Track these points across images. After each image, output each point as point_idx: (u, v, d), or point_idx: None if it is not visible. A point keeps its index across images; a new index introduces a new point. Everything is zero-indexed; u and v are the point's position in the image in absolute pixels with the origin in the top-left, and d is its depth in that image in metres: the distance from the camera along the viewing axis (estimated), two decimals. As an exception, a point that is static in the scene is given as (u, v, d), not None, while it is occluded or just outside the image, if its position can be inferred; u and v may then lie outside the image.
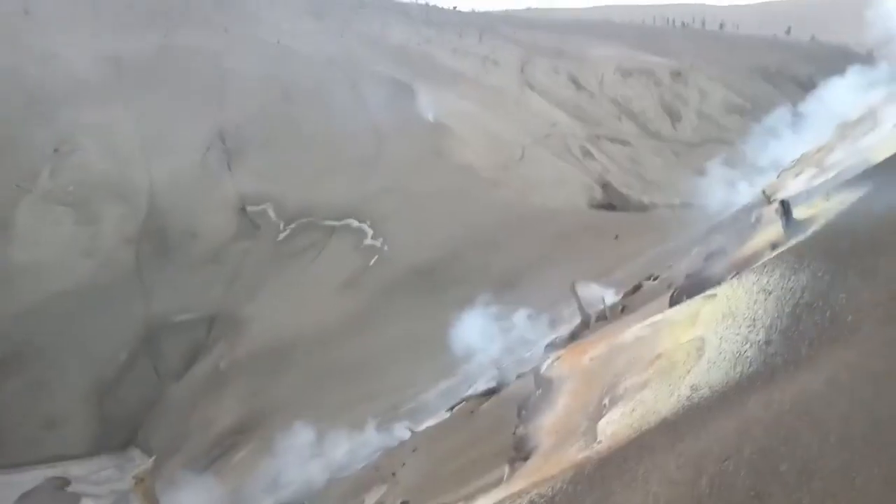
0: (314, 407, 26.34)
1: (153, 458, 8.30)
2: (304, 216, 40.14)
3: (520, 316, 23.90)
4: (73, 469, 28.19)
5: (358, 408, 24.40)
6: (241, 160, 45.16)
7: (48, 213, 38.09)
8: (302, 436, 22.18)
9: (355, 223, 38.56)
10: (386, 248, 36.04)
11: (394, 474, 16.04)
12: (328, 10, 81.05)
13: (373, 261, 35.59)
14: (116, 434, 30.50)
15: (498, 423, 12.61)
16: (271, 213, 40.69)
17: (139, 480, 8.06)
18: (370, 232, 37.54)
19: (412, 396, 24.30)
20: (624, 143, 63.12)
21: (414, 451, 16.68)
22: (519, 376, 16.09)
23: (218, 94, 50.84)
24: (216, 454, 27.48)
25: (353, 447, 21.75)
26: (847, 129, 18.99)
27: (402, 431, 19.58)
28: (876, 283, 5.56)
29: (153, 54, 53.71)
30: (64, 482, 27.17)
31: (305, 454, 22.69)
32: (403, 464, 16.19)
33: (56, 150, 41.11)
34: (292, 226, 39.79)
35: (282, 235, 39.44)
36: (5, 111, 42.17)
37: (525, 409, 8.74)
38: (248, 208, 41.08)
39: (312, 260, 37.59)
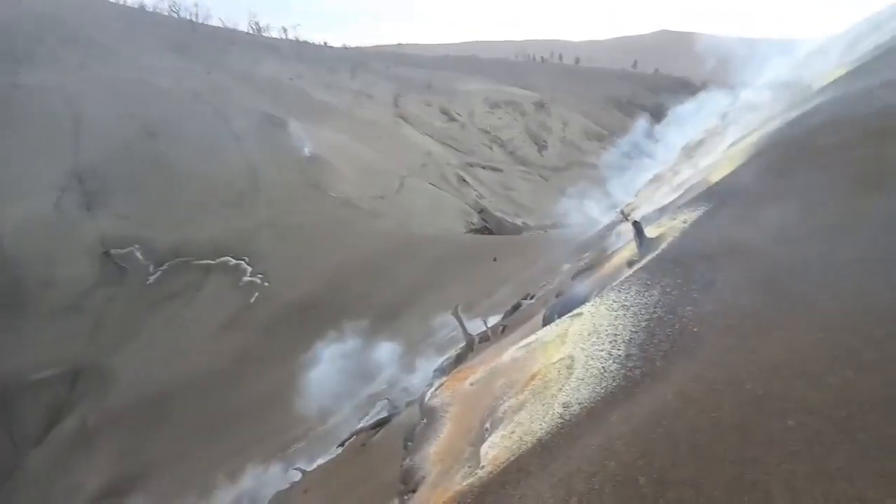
0: (195, 459, 24.93)
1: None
2: (176, 256, 38.10)
3: (404, 343, 23.99)
4: None
5: (243, 454, 23.28)
6: (102, 202, 42.18)
7: None
8: (196, 490, 20.85)
9: (233, 261, 37.12)
10: (267, 283, 34.96)
11: (284, 521, 15.43)
12: (193, 47, 78.35)
13: (253, 297, 34.37)
14: (-35, 514, 27.12)
15: (388, 455, 12.53)
16: (139, 256, 38.25)
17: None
18: (249, 268, 36.28)
19: (302, 435, 23.57)
20: (496, 169, 65.63)
21: (305, 492, 16.17)
22: (408, 404, 16.09)
23: (73, 134, 47.39)
24: (86, 522, 25.13)
25: (238, 496, 20.75)
26: (690, 151, 20.91)
27: (292, 473, 18.91)
28: (715, 296, 6.16)
29: (-4, 96, 49.27)
30: None
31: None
32: (295, 507, 15.63)
33: None
34: (163, 267, 37.60)
35: (152, 278, 37.14)
36: None
37: (411, 440, 8.74)
38: (113, 251, 38.37)
39: (188, 302, 35.68)
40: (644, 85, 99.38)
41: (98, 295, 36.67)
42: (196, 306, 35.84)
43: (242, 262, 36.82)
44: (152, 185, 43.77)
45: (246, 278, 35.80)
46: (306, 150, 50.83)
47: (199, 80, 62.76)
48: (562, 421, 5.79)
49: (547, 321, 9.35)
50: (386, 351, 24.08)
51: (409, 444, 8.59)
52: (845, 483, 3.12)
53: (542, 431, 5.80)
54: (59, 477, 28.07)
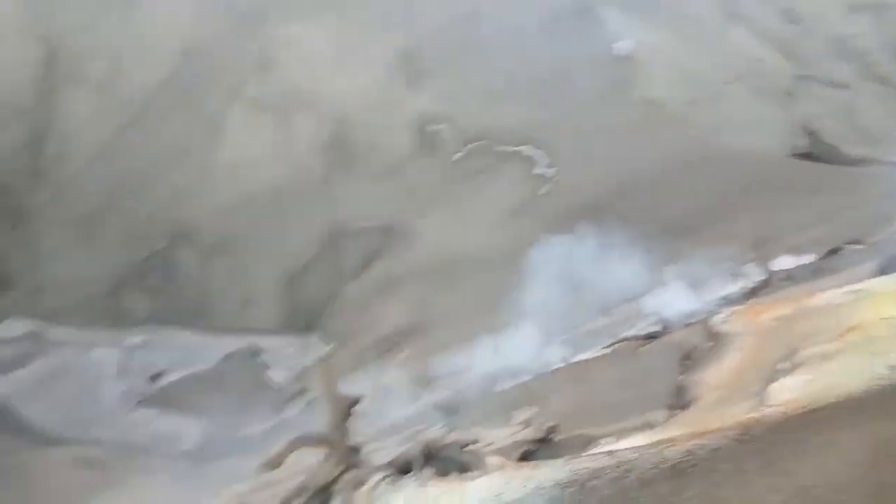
0: (473, 323, 27.30)
1: (333, 344, 9.24)
2: (480, 139, 40.48)
3: (691, 263, 22.87)
4: (264, 342, 32.32)
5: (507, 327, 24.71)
6: (423, 79, 45.91)
7: (252, 119, 41.99)
8: (466, 346, 23.36)
9: (529, 151, 38.31)
10: (557, 178, 35.64)
11: (544, 399, 16.51)
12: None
13: (542, 190, 35.43)
14: (300, 319, 34.10)
15: (657, 368, 12.49)
16: (448, 134, 41.44)
17: (322, 361, 9.11)
18: (543, 161, 37.17)
19: (567, 328, 24.43)
20: (840, 86, 55.47)
21: (567, 380, 17.04)
22: (687, 325, 15.63)
23: (406, 12, 51.50)
24: (383, 350, 29.95)
25: (505, 365, 22.52)
26: None
27: (556, 360, 19.98)
28: None
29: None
30: (256, 352, 31.50)
31: (462, 364, 23.89)
32: (555, 391, 16.62)
33: (260, 63, 44.63)
34: (468, 148, 40.34)
35: (457, 156, 40.20)
36: (221, 28, 46.01)
37: (690, 359, 8.60)
38: (427, 127, 42.13)
39: (484, 184, 38.17)
40: None
41: (412, 165, 40.95)
42: (490, 189, 38.10)
43: (539, 153, 37.79)
44: (467, 67, 46.17)
45: (539, 170, 36.85)
46: (620, 46, 48.62)
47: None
48: (882, 384, 5.17)
49: (884, 271, 8.14)
50: (670, 270, 23.22)
51: (688, 362, 8.48)
52: None
53: (856, 388, 5.26)
54: (366, 311, 33.43)
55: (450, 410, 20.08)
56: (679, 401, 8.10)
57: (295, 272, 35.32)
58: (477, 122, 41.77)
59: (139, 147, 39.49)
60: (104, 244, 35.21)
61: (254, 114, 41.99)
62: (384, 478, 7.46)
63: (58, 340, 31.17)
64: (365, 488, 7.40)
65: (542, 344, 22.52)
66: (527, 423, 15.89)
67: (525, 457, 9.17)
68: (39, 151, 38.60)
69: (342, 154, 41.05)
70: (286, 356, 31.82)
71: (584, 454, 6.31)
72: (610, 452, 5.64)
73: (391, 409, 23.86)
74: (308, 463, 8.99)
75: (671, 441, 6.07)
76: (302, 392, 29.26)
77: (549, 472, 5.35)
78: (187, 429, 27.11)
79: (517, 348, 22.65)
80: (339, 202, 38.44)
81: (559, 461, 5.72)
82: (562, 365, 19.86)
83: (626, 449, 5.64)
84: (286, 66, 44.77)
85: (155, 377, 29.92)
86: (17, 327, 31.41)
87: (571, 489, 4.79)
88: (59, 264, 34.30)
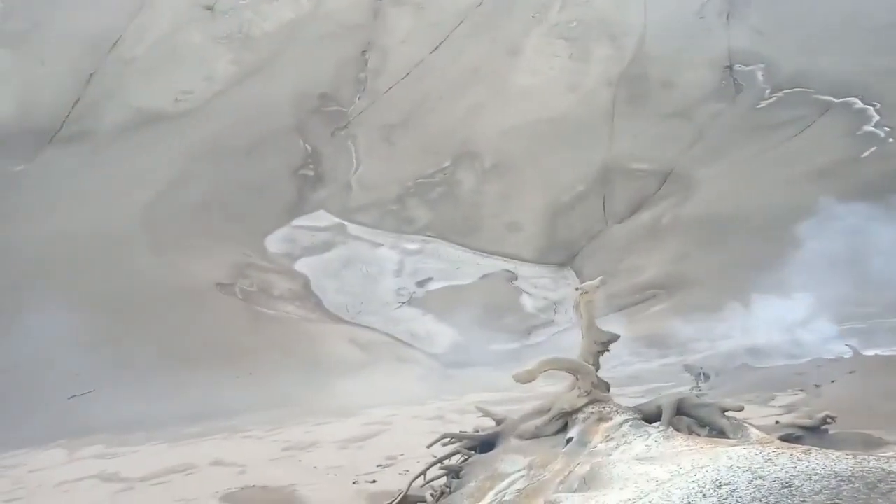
0: (737, 290, 24.76)
1: (601, 278, 9.10)
2: (797, 86, 35.36)
3: None
4: (521, 269, 33.57)
5: (776, 295, 21.98)
6: (741, 13, 41.13)
7: (549, 45, 41.97)
8: (726, 311, 21.81)
9: (860, 104, 32.47)
10: (891, 140, 29.89)
11: (817, 386, 14.99)
12: None
13: (868, 152, 30.10)
14: (558, 252, 34.52)
15: None
16: (759, 77, 36.92)
17: (585, 293, 9.08)
18: (876, 118, 31.32)
19: (863, 317, 21.13)
20: None
21: (851, 373, 15.10)
22: None
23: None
24: (636, 300, 29.14)
25: (765, 341, 20.69)
26: None
27: (841, 347, 17.76)
28: None
29: None
30: (512, 277, 32.95)
31: (717, 330, 22.41)
32: (833, 381, 14.89)
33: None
34: (780, 94, 35.56)
35: (764, 103, 35.81)
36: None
37: None
38: (736, 67, 37.97)
39: (791, 137, 33.59)
40: None
41: (707, 107, 37.56)
42: (796, 144, 33.54)
43: (871, 108, 31.86)
44: (793, 1, 40.24)
45: (868, 127, 31.21)
46: None
47: None
48: None
49: None
50: None
51: None
52: None
53: None
54: (627, 256, 32.47)
55: (699, 375, 19.26)
56: None
57: (562, 205, 35.45)
58: (796, 65, 36.45)
59: (443, 67, 42.37)
60: (402, 156, 39.06)
61: (552, 41, 41.97)
62: (628, 420, 7.31)
63: (354, 235, 36.05)
64: (607, 424, 7.34)
65: (808, 326, 20.05)
66: (790, 408, 14.41)
67: (786, 440, 8.24)
68: (364, 65, 43.72)
69: (635, 89, 39.14)
70: (540, 286, 32.76)
71: (873, 453, 5.43)
72: (914, 460, 4.76)
73: (635, 358, 23.46)
74: (555, 388, 9.20)
75: None
76: (548, 323, 30.14)
77: (826, 460, 4.70)
78: (441, 333, 29.86)
79: (781, 326, 20.60)
80: (621, 140, 37.16)
81: (839, 453, 5.00)
82: (847, 356, 17.56)
83: (935, 463, 4.69)
84: (594, -7, 43.45)
85: (422, 282, 33.11)
86: (326, 218, 36.87)
87: (854, 485, 4.15)
88: (364, 169, 39.04)
